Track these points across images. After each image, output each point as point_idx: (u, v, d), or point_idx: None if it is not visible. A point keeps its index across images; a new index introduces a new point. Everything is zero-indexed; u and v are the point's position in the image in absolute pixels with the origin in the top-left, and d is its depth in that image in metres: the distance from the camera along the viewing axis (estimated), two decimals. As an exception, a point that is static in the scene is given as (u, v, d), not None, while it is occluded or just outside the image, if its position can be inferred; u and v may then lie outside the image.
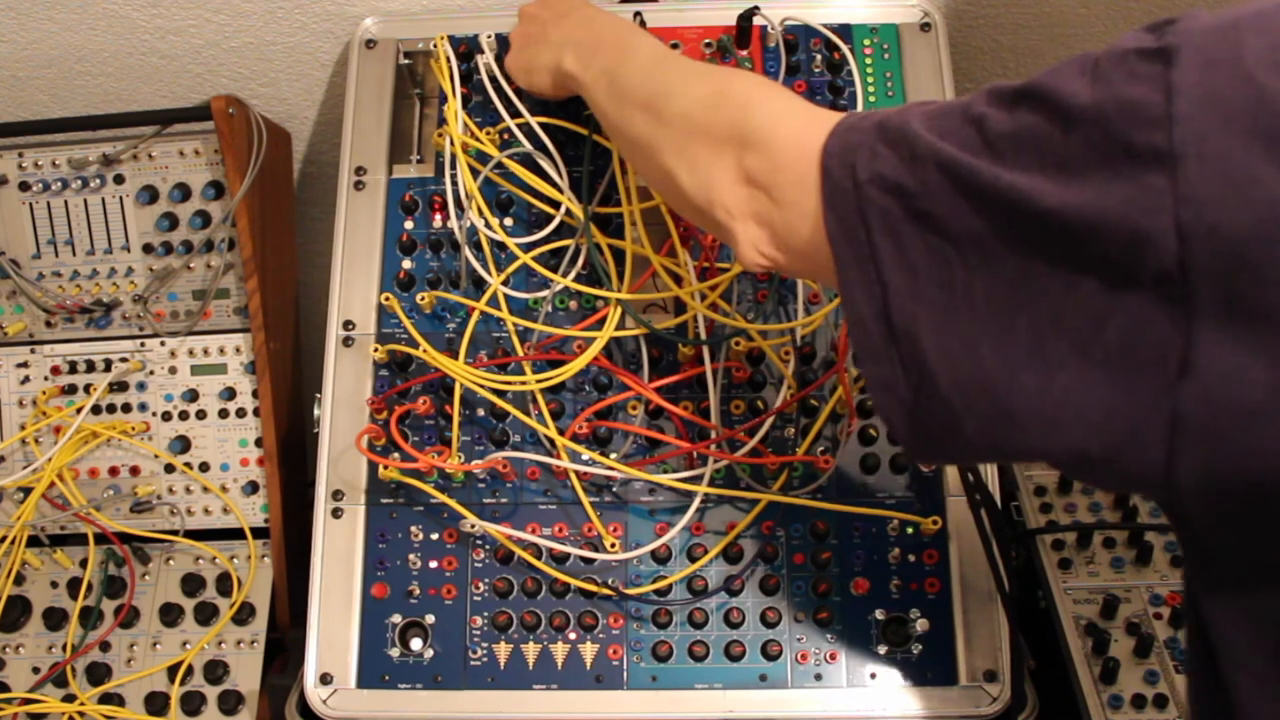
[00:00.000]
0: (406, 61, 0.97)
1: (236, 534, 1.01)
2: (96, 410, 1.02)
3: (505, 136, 0.93)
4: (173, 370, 1.02)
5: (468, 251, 0.90)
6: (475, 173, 0.91)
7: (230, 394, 1.02)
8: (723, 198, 0.61)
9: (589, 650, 0.85)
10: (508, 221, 0.92)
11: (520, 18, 0.89)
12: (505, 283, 0.89)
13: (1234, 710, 0.47)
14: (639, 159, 0.73)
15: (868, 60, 0.95)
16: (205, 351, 1.02)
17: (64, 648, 0.96)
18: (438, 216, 0.94)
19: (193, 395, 1.02)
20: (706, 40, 0.96)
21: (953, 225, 0.47)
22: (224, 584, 0.98)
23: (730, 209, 0.61)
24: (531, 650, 0.85)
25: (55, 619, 0.98)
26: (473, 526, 0.85)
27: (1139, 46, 0.42)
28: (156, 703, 0.93)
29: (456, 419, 0.87)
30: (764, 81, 0.66)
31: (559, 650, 0.85)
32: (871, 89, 0.94)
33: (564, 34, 0.82)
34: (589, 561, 0.86)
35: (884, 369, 0.51)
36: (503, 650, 0.85)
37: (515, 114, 0.92)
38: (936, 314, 0.48)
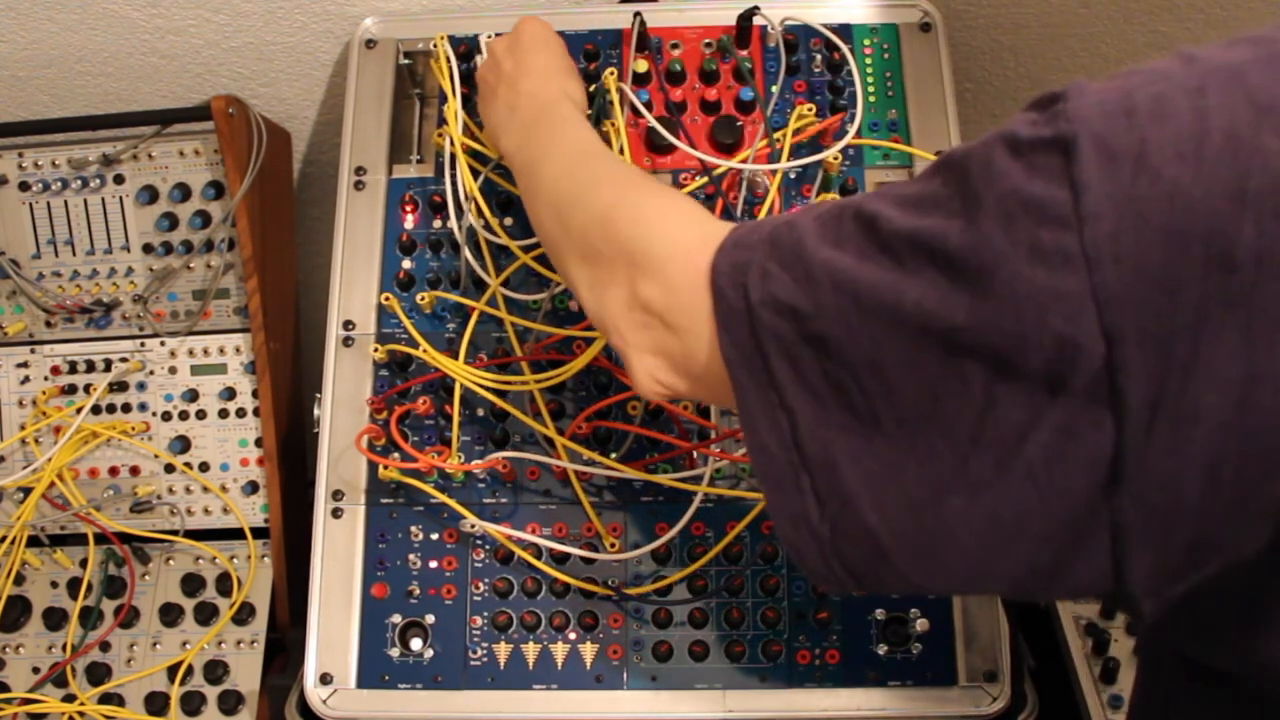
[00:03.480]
0: (406, 61, 0.97)
1: (236, 534, 1.01)
2: (96, 410, 1.02)
3: (505, 136, 0.93)
4: (173, 370, 1.02)
5: (467, 252, 0.90)
6: (475, 173, 0.91)
7: (230, 394, 1.02)
8: (617, 322, 0.58)
9: (589, 650, 0.85)
10: (508, 221, 0.92)
11: (489, 54, 0.87)
12: (505, 283, 0.89)
13: None
14: (550, 254, 0.71)
15: (868, 60, 0.95)
16: (205, 351, 1.02)
17: (64, 648, 0.96)
18: (438, 217, 0.94)
19: (193, 395, 1.02)
20: (706, 40, 0.96)
21: (848, 350, 0.44)
22: (224, 584, 0.98)
23: (625, 335, 0.58)
24: (531, 650, 0.85)
25: (55, 619, 0.98)
26: (473, 526, 0.85)
27: (1033, 135, 0.39)
28: (156, 703, 0.93)
29: (456, 419, 0.87)
30: (664, 193, 0.62)
31: (559, 650, 0.85)
32: (871, 89, 0.94)
33: (508, 105, 0.81)
34: (589, 561, 0.86)
35: (794, 501, 0.47)
36: (503, 650, 0.85)
37: (515, 114, 0.92)
38: (852, 440, 0.44)
